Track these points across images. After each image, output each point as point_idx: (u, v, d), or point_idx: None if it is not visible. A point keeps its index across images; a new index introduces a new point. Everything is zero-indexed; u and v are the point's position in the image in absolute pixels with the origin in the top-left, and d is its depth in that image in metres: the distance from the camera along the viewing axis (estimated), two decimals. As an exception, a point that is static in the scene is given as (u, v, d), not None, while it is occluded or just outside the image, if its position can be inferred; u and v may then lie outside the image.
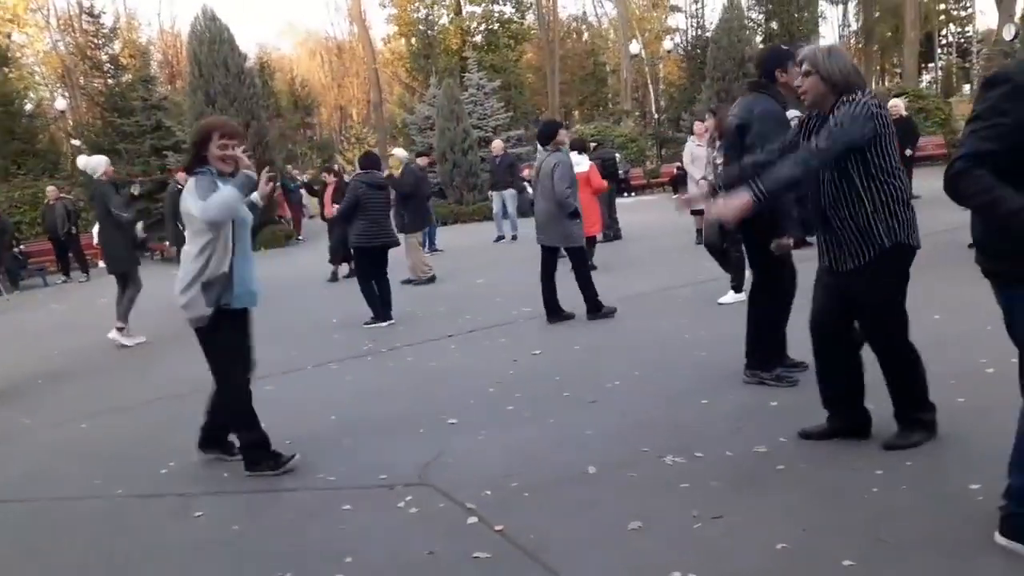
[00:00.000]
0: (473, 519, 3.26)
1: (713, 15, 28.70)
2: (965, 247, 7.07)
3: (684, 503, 3.18)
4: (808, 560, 2.66)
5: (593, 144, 14.74)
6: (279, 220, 20.15)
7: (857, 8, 41.51)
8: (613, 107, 38.55)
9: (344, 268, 11.24)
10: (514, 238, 14.33)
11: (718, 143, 6.74)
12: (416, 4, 36.35)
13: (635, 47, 31.54)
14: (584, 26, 47.95)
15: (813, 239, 3.76)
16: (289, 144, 35.35)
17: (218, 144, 3.86)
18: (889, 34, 39.50)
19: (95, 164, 8.30)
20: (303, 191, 20.31)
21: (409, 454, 4.09)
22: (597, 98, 42.51)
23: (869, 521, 2.87)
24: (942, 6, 41.60)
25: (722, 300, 7.06)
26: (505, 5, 36.97)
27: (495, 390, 5.11)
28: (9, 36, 31.57)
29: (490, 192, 15.54)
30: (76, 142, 25.55)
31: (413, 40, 37.12)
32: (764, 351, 4.60)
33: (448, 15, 37.03)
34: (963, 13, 43.39)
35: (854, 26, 42.66)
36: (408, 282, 10.18)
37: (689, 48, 31.09)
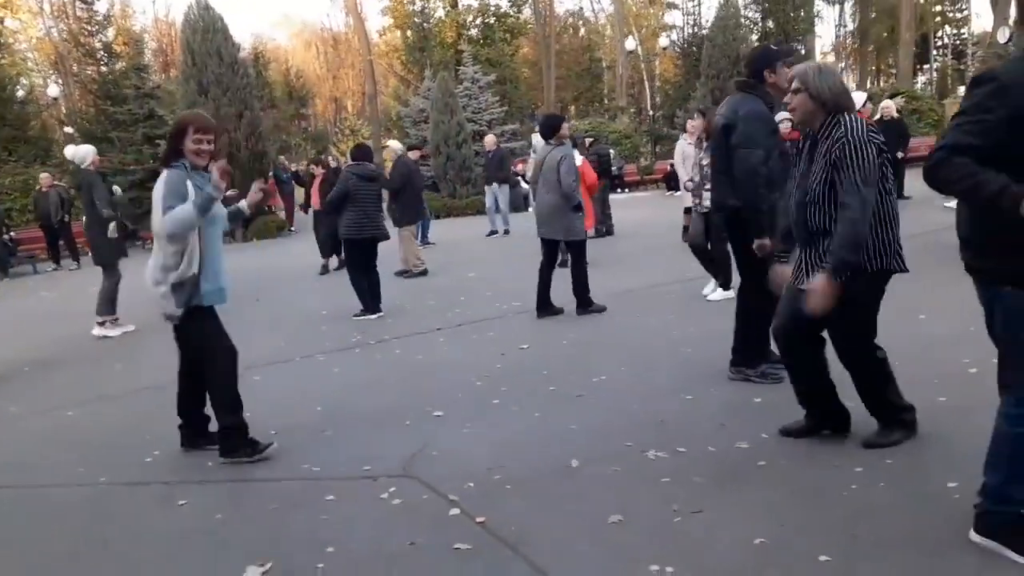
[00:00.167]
0: (455, 511, 3.27)
1: (709, 12, 28.66)
2: (951, 248, 7.14)
3: (665, 497, 3.20)
4: (785, 555, 2.69)
5: (589, 140, 14.77)
6: (271, 210, 20.10)
7: (853, 8, 41.61)
8: (609, 103, 38.54)
9: (335, 261, 11.23)
10: (506, 232, 14.34)
11: (705, 144, 6.78)
12: (412, -4, 36.30)
13: (631, 43, 31.53)
14: (580, 21, 47.93)
15: None
16: (283, 135, 35.30)
17: (193, 138, 3.94)
18: (885, 35, 39.59)
19: (83, 153, 8.26)
20: (293, 182, 20.27)
21: (394, 446, 4.10)
22: (592, 94, 42.51)
23: (847, 518, 2.89)
24: (938, 8, 41.72)
25: (710, 296, 7.10)
26: (501, -1, 36.96)
27: (482, 384, 5.13)
28: (1, 21, 31.35)
29: (485, 186, 15.56)
30: (69, 129, 25.42)
31: (408, 32, 37.05)
32: (750, 348, 4.62)
33: (444, 8, 36.96)
34: (959, 15, 43.51)
35: (850, 26, 42.78)
36: (402, 273, 10.19)
37: (685, 45, 31.10)
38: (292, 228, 19.91)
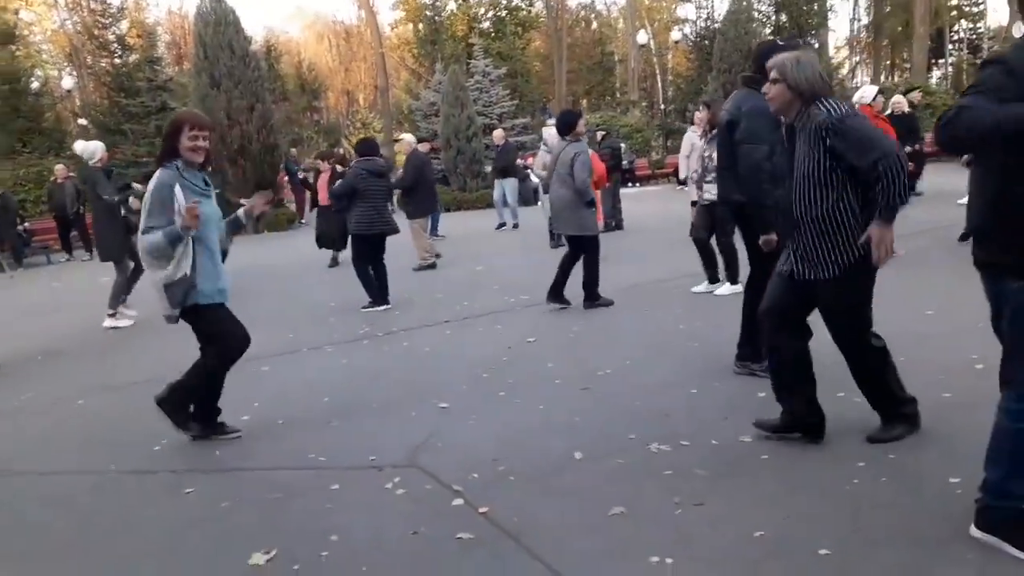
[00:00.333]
0: (459, 501, 3.30)
1: (722, 6, 28.49)
2: (959, 245, 7.13)
3: (667, 490, 3.22)
4: (785, 548, 2.70)
5: (601, 134, 14.74)
6: (282, 204, 20.18)
7: (868, 2, 41.26)
8: (620, 97, 38.43)
9: (332, 252, 11.25)
10: (515, 226, 14.35)
11: (709, 135, 6.77)
12: (423, -11, 36.27)
13: (643, 37, 31.42)
14: (592, 15, 47.75)
15: None
16: (295, 128, 35.38)
17: (188, 135, 3.98)
18: (900, 29, 39.22)
19: (92, 149, 8.30)
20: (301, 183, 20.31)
21: (399, 437, 4.12)
22: (604, 88, 42.38)
23: (849, 512, 2.90)
24: (954, 2, 41.28)
25: (718, 291, 7.10)
26: (513, -8, 36.88)
27: (488, 376, 5.15)
28: (16, 13, 31.54)
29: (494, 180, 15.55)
30: (83, 121, 25.61)
31: (420, 26, 37.03)
32: (756, 343, 4.61)
33: (455, 1, 36.91)
34: (975, 9, 43.05)
35: (864, 20, 42.43)
36: (428, 267, 10.24)
37: (697, 39, 30.96)
38: (303, 221, 19.98)
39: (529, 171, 15.75)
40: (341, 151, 14.25)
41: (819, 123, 3.21)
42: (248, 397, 5.03)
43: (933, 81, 34.08)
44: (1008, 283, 2.46)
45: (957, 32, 43.04)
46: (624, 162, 18.09)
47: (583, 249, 6.97)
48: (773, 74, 3.34)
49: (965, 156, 5.76)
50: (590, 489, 3.31)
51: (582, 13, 46.70)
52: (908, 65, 35.78)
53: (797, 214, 3.36)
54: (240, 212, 4.45)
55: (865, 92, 8.21)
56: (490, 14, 37.01)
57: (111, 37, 25.71)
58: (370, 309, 7.79)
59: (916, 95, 14.23)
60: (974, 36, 42.65)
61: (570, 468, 3.55)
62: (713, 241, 7.29)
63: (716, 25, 26.60)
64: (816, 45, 24.45)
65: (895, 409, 3.50)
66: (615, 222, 12.88)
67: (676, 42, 34.64)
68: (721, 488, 3.20)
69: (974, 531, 2.60)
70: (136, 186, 8.66)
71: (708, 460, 3.48)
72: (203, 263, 4.02)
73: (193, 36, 20.24)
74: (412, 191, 10.23)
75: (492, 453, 3.77)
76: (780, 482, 3.21)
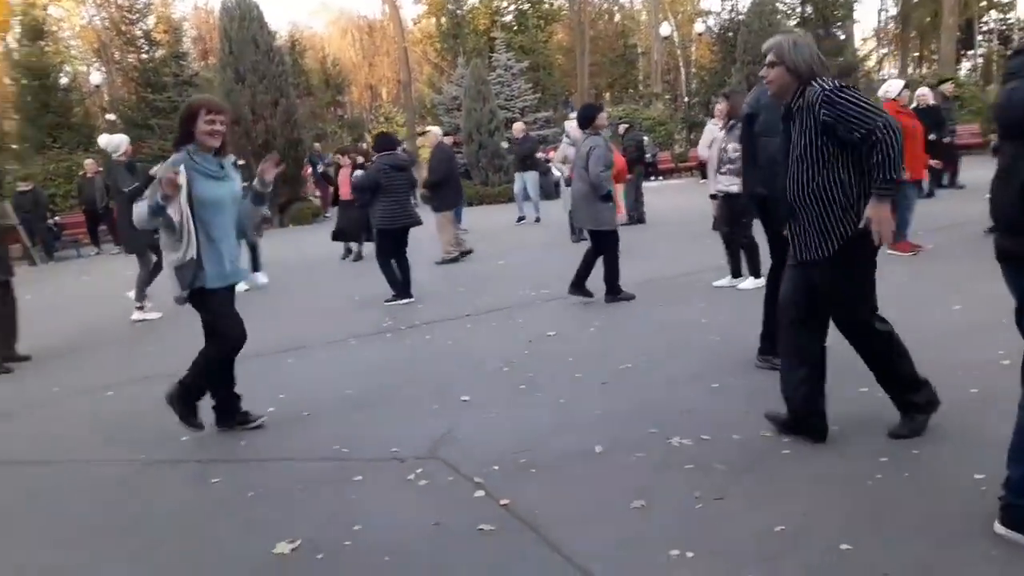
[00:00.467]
0: (480, 493, 3.33)
1: (747, -3, 28.21)
2: (989, 237, 7.04)
3: (687, 484, 3.22)
4: (805, 543, 2.69)
5: (623, 127, 14.69)
6: (306, 198, 20.34)
7: (896, -8, 40.65)
8: (643, 89, 38.21)
9: (355, 246, 11.32)
10: (537, 220, 14.34)
11: (730, 124, 6.73)
12: (446, -17, 36.24)
13: (666, 29, 31.24)
14: (615, 7, 47.48)
15: None
16: (319, 123, 35.57)
17: (205, 119, 4.03)
18: (928, 20, 38.61)
19: (116, 143, 8.42)
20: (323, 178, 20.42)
21: (421, 429, 4.16)
22: (627, 80, 42.15)
23: (870, 507, 2.88)
24: (984, -8, 40.58)
25: (741, 285, 7.07)
26: (535, -15, 36.75)
27: (509, 369, 5.18)
28: (45, 9, 31.98)
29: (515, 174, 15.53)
30: (111, 116, 25.93)
31: (442, 20, 37.03)
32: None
33: (478, -6, 36.89)
34: (1004, 0, 42.27)
35: (892, 11, 41.82)
36: (451, 260, 10.28)
37: (721, 31, 30.67)
38: (327, 215, 20.12)
39: (550, 164, 15.74)
40: (364, 146, 14.30)
41: (813, 98, 3.19)
42: (274, 388, 5.11)
43: (962, 73, 33.52)
44: None
45: (987, 23, 42.28)
46: (647, 155, 18.01)
47: (601, 244, 6.97)
48: (770, 57, 3.33)
49: (993, 142, 5.68)
50: (610, 482, 3.32)
51: (605, 6, 46.48)
52: (936, 57, 35.24)
53: (791, 195, 3.36)
54: (255, 182, 4.41)
55: (891, 86, 8.11)
56: (512, 7, 36.94)
57: (138, 33, 25.99)
58: (393, 303, 7.85)
59: (948, 87, 14.01)
60: (1004, 27, 41.86)
61: (590, 461, 3.56)
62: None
63: (740, 17, 26.32)
64: (842, 37, 24.11)
65: (910, 396, 3.44)
66: (637, 215, 12.84)
67: (700, 34, 34.41)
68: (742, 482, 3.20)
69: (998, 528, 2.58)
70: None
71: (729, 454, 3.48)
72: (209, 247, 4.05)
73: (218, 31, 20.43)
74: (440, 184, 10.30)
75: (513, 446, 3.79)
76: (801, 477, 3.20)
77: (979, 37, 40.59)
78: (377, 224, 8.06)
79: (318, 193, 21.13)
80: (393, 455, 3.84)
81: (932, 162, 8.47)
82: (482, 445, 3.86)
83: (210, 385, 4.33)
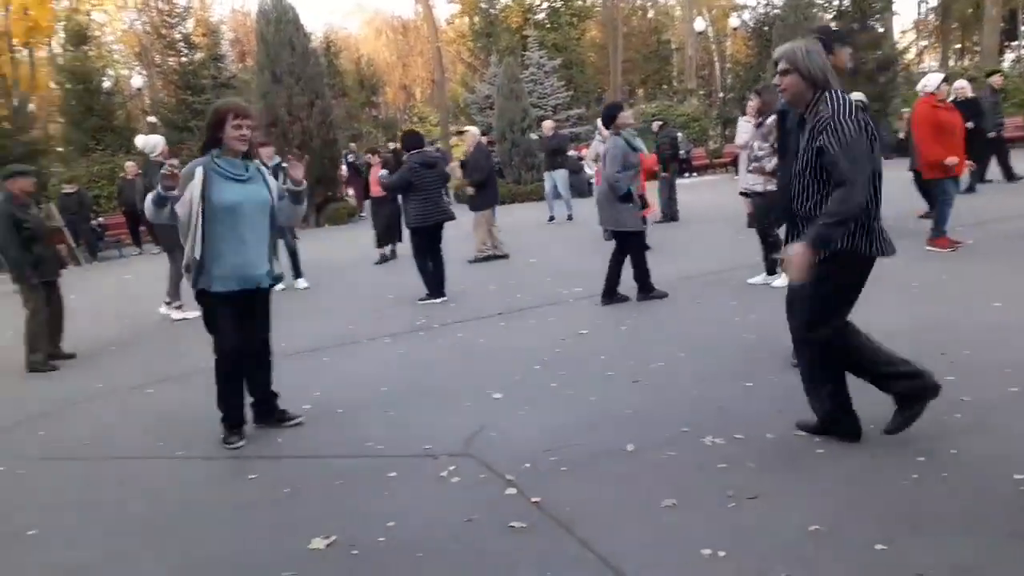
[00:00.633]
0: (512, 490, 3.35)
1: (783, -9, 27.73)
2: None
3: (720, 483, 3.21)
4: (840, 542, 2.67)
5: (658, 124, 14.60)
6: (342, 198, 20.54)
7: (937, -17, 39.75)
8: (678, 86, 37.89)
9: (388, 250, 11.41)
10: (569, 218, 14.30)
11: (759, 121, 6.67)
12: (479, -18, 36.28)
13: (700, 24, 30.91)
14: (649, 3, 47.13)
15: None
16: (354, 123, 35.86)
17: (233, 124, 4.06)
18: (970, 11, 37.68)
19: (153, 143, 8.60)
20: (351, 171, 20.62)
21: (454, 426, 4.20)
22: (660, 76, 41.83)
23: (907, 507, 2.85)
24: (1029, -19, 39.46)
25: (775, 283, 6.99)
26: (569, -17, 36.60)
27: (540, 367, 5.19)
28: (89, 15, 32.72)
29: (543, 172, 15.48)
30: (152, 119, 26.42)
31: (475, 19, 37.11)
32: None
33: (511, -7, 36.85)
34: (1052, -12, 41.05)
35: (932, 2, 40.90)
36: (484, 259, 10.32)
37: (757, 25, 30.30)
38: (362, 214, 20.32)
39: (583, 162, 15.70)
40: (392, 147, 14.34)
41: (822, 118, 3.19)
42: (309, 386, 5.19)
43: (1005, 65, 32.61)
44: None
45: (1032, 12, 41.08)
46: (681, 152, 17.88)
47: (624, 245, 6.95)
48: (783, 65, 3.31)
49: None
50: (642, 481, 3.32)
51: (638, 2, 46.18)
52: (978, 49, 34.42)
53: (795, 206, 3.37)
54: (287, 182, 4.43)
55: (929, 80, 7.95)
56: (545, 5, 36.82)
57: (178, 36, 26.42)
58: (427, 301, 7.91)
59: (997, 79, 13.64)
60: (1051, 17, 40.63)
61: (622, 459, 3.56)
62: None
63: (775, 11, 25.97)
64: (881, 30, 23.63)
65: (894, 387, 3.38)
66: (671, 213, 12.77)
67: (735, 29, 34.03)
68: (775, 482, 3.18)
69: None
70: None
71: (762, 453, 3.46)
72: (218, 249, 4.06)
73: (255, 34, 20.71)
74: (485, 183, 10.38)
75: (544, 444, 3.81)
76: (836, 476, 3.17)
77: (1023, 28, 39.49)
78: (411, 223, 8.10)
79: (351, 192, 21.31)
80: (426, 452, 3.88)
81: (968, 163, 8.27)
82: (514, 443, 3.89)
83: (226, 387, 4.30)
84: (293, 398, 4.68)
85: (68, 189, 17.74)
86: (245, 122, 4.09)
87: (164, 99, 27.06)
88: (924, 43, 42.46)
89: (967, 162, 8.13)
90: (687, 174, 22.00)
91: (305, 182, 4.47)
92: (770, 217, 6.73)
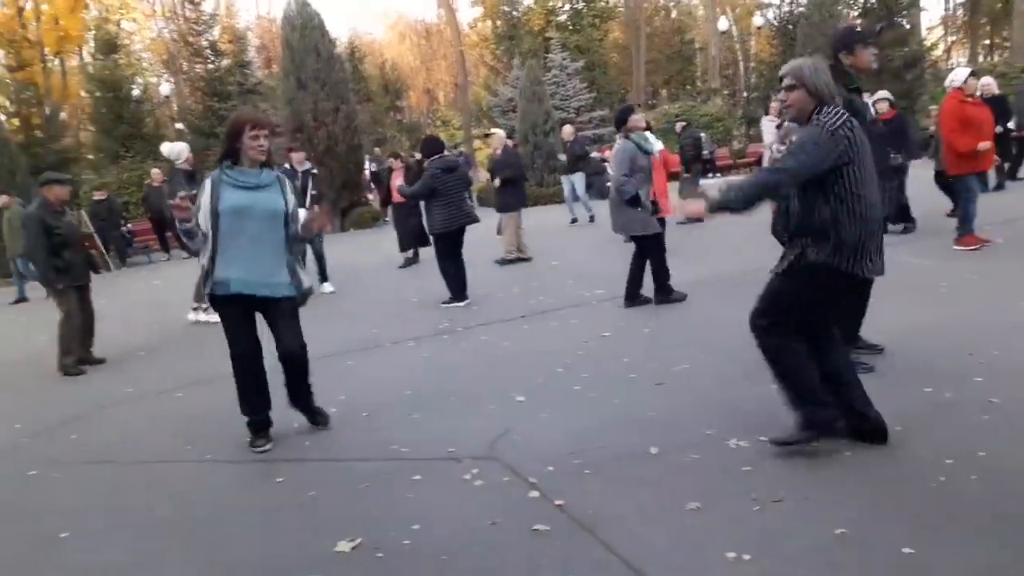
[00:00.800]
0: (535, 493, 3.36)
1: (808, -11, 27.40)
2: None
3: (745, 486, 3.19)
4: (866, 546, 2.65)
5: (681, 124, 14.54)
6: (366, 202, 20.68)
7: (965, -22, 39.16)
8: (701, 86, 37.69)
9: (410, 253, 11.46)
10: (591, 219, 14.25)
11: (781, 120, 6.61)
12: (501, -14, 36.39)
13: (724, 24, 30.71)
14: (672, 3, 46.93)
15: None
16: (379, 127, 36.11)
17: (250, 135, 4.11)
18: (999, 6, 37.06)
19: (178, 151, 8.71)
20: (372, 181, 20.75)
21: (478, 429, 4.21)
22: (684, 76, 41.62)
23: (934, 510, 2.82)
24: (1061, -26, 38.71)
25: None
26: (591, -16, 36.60)
27: (563, 370, 5.19)
28: (118, 24, 33.27)
29: (561, 176, 15.44)
30: (180, 126, 26.80)
31: (498, 22, 37.20)
32: (842, 331, 4.50)
33: (533, -4, 36.93)
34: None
35: (961, -3, 40.27)
36: (512, 261, 10.34)
37: (781, 24, 30.06)
38: (386, 219, 20.42)
39: (605, 164, 15.66)
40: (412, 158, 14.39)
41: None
42: (334, 390, 5.22)
43: (1038, 59, 32.02)
44: None
45: (1065, 6, 40.30)
46: (704, 152, 17.77)
47: (642, 248, 6.92)
48: (788, 80, 3.36)
49: None
50: (666, 484, 3.31)
51: (661, 2, 46.00)
52: (1008, 44, 33.80)
53: (791, 212, 3.45)
54: (300, 228, 4.40)
55: (956, 75, 7.84)
56: (567, 7, 36.85)
57: (204, 43, 26.79)
58: (450, 305, 7.94)
59: None
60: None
61: (646, 462, 3.56)
62: None
63: (800, 9, 25.76)
64: (907, 26, 23.32)
65: (799, 411, 3.44)
66: (695, 214, 12.67)
67: (759, 28, 33.76)
68: (801, 485, 3.16)
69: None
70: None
71: (787, 456, 3.43)
72: (225, 256, 4.11)
73: (281, 40, 20.93)
74: (516, 181, 10.43)
75: (568, 447, 3.81)
76: (862, 479, 3.14)
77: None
78: (437, 229, 8.05)
79: (370, 196, 21.43)
80: (450, 455, 3.90)
81: (995, 158, 8.16)
82: (537, 446, 3.89)
83: (242, 391, 4.37)
84: (318, 402, 4.70)
85: (98, 196, 18.04)
86: (262, 132, 4.14)
87: (191, 106, 27.44)
88: (952, 39, 41.85)
89: (994, 157, 8.02)
90: (711, 174, 21.85)
91: (314, 230, 4.55)
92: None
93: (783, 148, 6.34)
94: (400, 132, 40.17)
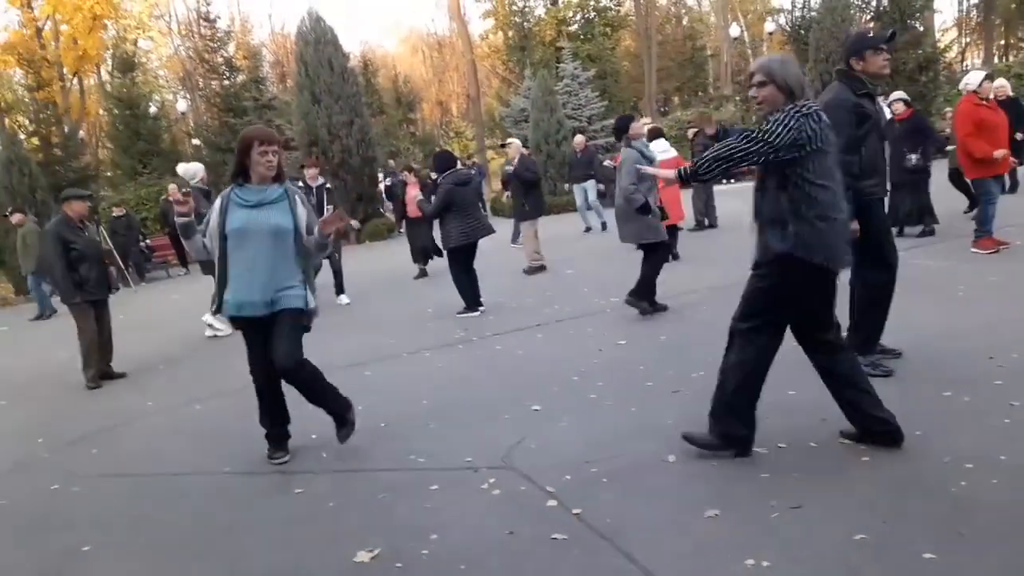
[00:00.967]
0: (552, 502, 3.36)
1: (820, -6, 27.32)
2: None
3: (763, 492, 3.18)
4: (886, 552, 2.63)
5: (693, 131, 14.52)
6: (383, 214, 20.78)
7: (979, -21, 38.93)
8: (714, 92, 37.63)
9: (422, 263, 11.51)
10: (604, 226, 14.24)
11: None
12: (513, -3, 36.54)
13: (736, 30, 30.68)
14: (683, 10, 46.98)
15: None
16: (392, 140, 36.31)
17: (258, 151, 4.12)
18: (1014, 7, 36.82)
19: (193, 171, 8.83)
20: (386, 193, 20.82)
21: (494, 438, 4.22)
22: (696, 83, 41.60)
23: (954, 514, 2.80)
24: (1076, -26, 38.40)
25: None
26: (601, -7, 36.68)
27: (579, 379, 5.20)
28: (135, 43, 33.72)
29: (572, 186, 15.37)
30: (196, 142, 27.09)
31: (510, 33, 37.35)
32: (860, 337, 4.48)
33: (544, 5, 37.01)
34: (1101, -21, 39.85)
35: (975, -1, 40.02)
36: (538, 269, 10.36)
37: (793, 29, 29.98)
38: (401, 231, 20.50)
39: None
40: (425, 173, 14.45)
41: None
42: (352, 400, 5.22)
43: (1055, 60, 31.75)
44: None
45: (1080, 6, 39.94)
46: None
47: (648, 252, 6.90)
48: (758, 77, 3.37)
49: None
50: (684, 491, 3.31)
51: (672, 9, 46.04)
52: (1023, 45, 33.55)
53: (759, 208, 3.49)
54: (313, 237, 4.30)
55: (971, 78, 7.80)
56: (578, 16, 36.94)
57: (220, 60, 27.09)
58: (465, 315, 7.96)
59: None
60: (1100, 9, 39.45)
61: (663, 470, 3.55)
62: None
63: (812, 14, 25.67)
64: (921, 29, 23.18)
65: (719, 423, 3.54)
66: (709, 220, 12.67)
67: (771, 33, 33.68)
68: (819, 490, 3.14)
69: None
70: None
71: (806, 462, 3.42)
72: (232, 276, 4.15)
73: (295, 55, 21.11)
74: (527, 193, 10.46)
75: (584, 455, 3.81)
76: (882, 484, 3.12)
77: (1072, 21, 38.43)
78: (454, 243, 8.02)
79: (384, 208, 21.52)
80: (467, 465, 3.91)
81: (1012, 160, 8.10)
82: (554, 454, 3.90)
83: (260, 405, 4.43)
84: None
85: (117, 212, 18.24)
86: (271, 148, 4.15)
87: (207, 122, 27.76)
88: (966, 40, 41.58)
89: (1011, 159, 7.97)
90: (725, 180, 21.79)
91: (331, 237, 4.38)
92: None
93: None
94: (413, 144, 40.34)
